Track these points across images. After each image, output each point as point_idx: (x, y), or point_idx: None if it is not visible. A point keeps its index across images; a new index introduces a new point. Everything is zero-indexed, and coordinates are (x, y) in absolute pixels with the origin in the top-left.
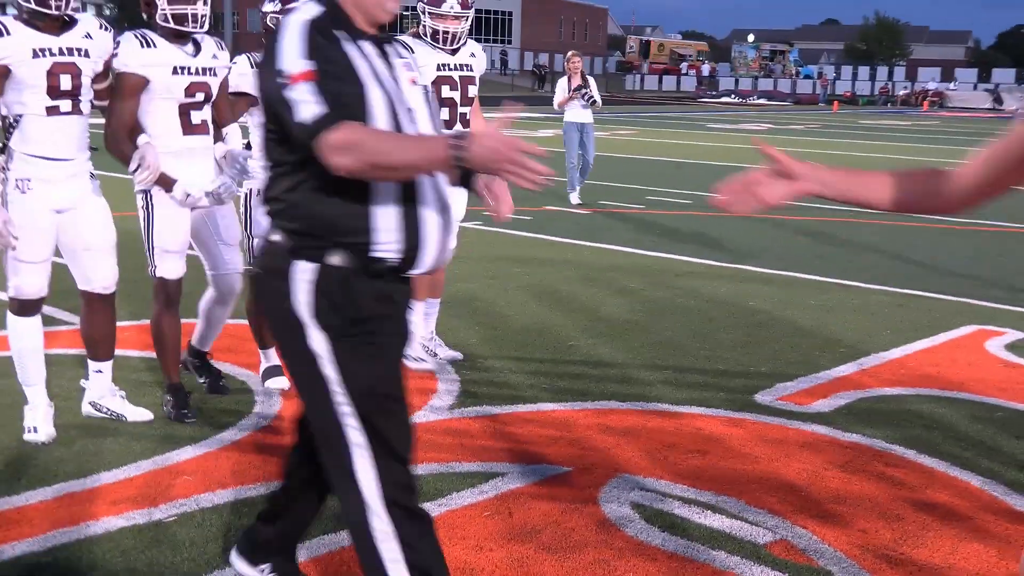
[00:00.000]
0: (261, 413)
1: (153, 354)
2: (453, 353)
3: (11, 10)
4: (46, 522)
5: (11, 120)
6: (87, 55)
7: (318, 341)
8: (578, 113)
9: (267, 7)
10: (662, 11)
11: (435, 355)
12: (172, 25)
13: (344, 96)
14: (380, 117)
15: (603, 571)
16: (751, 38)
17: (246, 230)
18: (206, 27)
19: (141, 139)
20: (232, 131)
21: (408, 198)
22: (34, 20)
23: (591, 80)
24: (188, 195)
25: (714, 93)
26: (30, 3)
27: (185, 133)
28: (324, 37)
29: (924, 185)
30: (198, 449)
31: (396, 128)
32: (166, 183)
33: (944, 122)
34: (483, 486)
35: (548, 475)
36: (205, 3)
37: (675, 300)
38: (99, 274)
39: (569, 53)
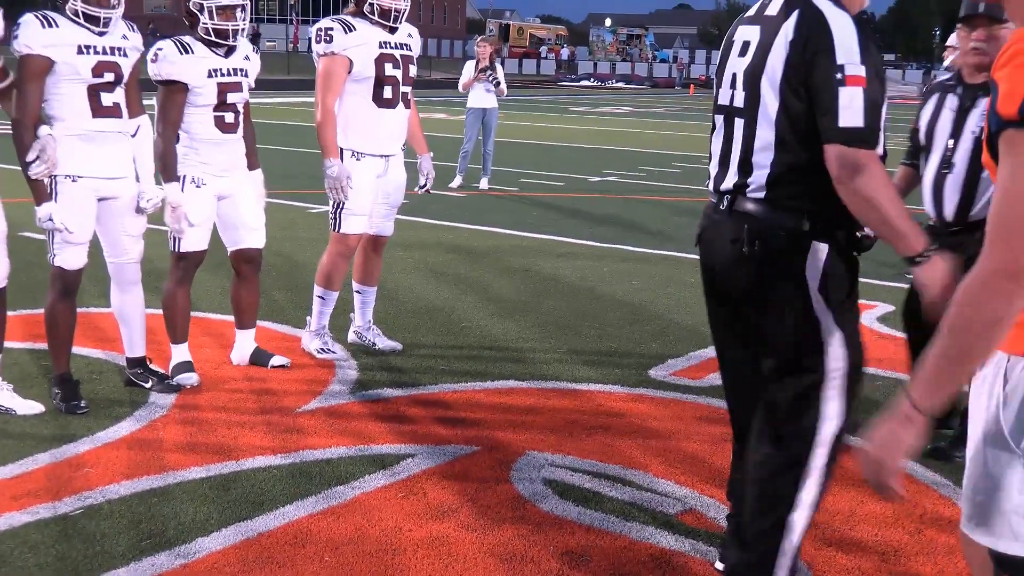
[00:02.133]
0: (155, 404)
1: (37, 345)
2: (392, 343)
3: None
4: None
5: None
6: None
7: (822, 310)
8: (482, 97)
9: None
10: None
11: (374, 345)
12: (81, 6)
13: (878, 114)
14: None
15: (524, 545)
16: (608, 22)
17: None
18: (119, 7)
19: (42, 130)
20: (143, 122)
21: None
22: None
23: (499, 67)
24: (49, 220)
25: (574, 77)
26: None
27: (94, 116)
28: (871, 41)
29: None
30: (96, 441)
31: None
32: (40, 195)
33: None
34: (395, 468)
35: (458, 455)
36: None
37: (559, 280)
38: None
39: (478, 39)
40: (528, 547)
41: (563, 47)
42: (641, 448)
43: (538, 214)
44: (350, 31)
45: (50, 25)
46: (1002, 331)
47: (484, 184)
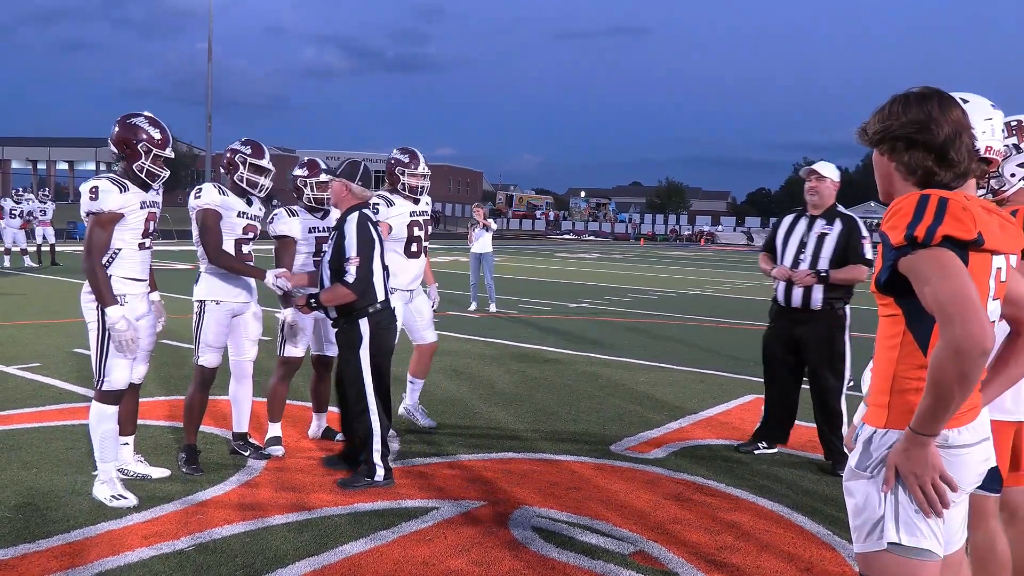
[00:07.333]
0: (252, 467)
1: (172, 423)
2: (430, 421)
3: None
4: (93, 554)
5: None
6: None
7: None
8: (480, 245)
9: (297, 172)
10: (518, 172)
11: (417, 420)
12: (248, 176)
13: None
14: None
15: None
16: (583, 194)
17: None
18: (267, 190)
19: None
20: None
21: None
22: None
23: (491, 222)
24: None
25: (558, 232)
26: None
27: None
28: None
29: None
30: (207, 495)
31: None
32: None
33: (715, 253)
34: (424, 517)
35: (470, 508)
36: (269, 177)
37: (546, 379)
38: (137, 370)
39: (474, 205)
40: None
41: (551, 211)
42: (604, 504)
43: (531, 330)
44: (390, 205)
45: (223, 194)
46: (972, 380)
47: (493, 308)
